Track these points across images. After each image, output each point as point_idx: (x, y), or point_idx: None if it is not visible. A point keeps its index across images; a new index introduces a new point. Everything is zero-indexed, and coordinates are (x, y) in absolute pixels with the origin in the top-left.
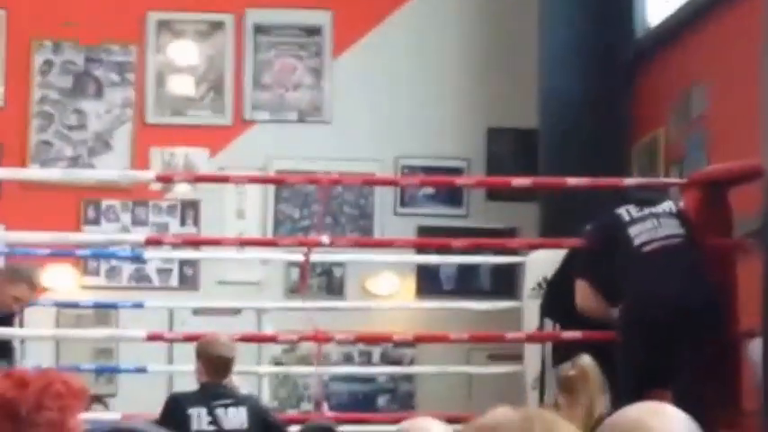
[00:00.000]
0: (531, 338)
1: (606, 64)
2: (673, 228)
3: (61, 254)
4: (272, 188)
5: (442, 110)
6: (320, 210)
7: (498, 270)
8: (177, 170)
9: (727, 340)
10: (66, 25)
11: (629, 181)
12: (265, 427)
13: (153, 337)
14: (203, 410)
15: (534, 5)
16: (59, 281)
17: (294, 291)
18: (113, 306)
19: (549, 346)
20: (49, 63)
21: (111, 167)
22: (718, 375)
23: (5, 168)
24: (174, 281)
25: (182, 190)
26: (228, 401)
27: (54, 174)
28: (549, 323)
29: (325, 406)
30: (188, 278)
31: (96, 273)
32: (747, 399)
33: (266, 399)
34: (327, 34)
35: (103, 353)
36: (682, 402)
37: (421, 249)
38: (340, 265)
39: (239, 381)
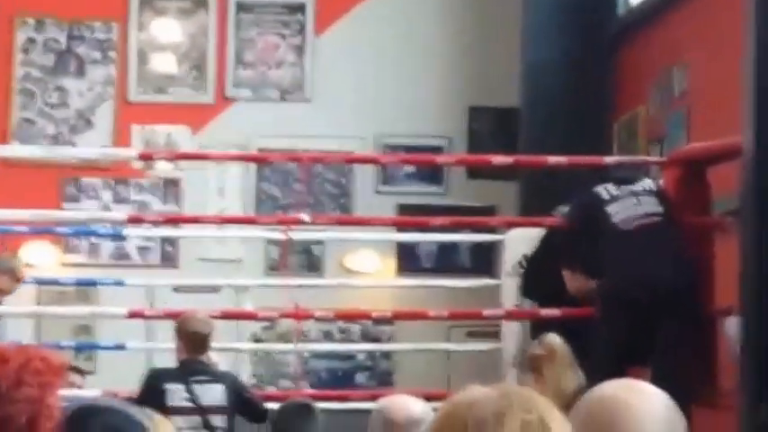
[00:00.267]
0: (509, 316)
1: (588, 43)
2: (652, 206)
3: (42, 231)
4: (253, 166)
5: (423, 88)
6: (301, 188)
7: (478, 248)
8: (159, 148)
9: (704, 318)
10: None
11: (609, 159)
12: (242, 403)
13: (133, 315)
14: (180, 386)
15: None
16: (40, 258)
17: (274, 268)
18: (94, 283)
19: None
20: (31, 41)
21: (92, 145)
22: (696, 353)
23: None
24: (155, 258)
25: (163, 168)
26: (206, 378)
27: (35, 151)
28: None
29: (304, 383)
30: (169, 256)
31: (77, 250)
32: (724, 376)
33: (246, 376)
34: (310, 13)
35: (84, 330)
36: (659, 380)
37: (401, 227)
38: (320, 242)
39: (218, 358)
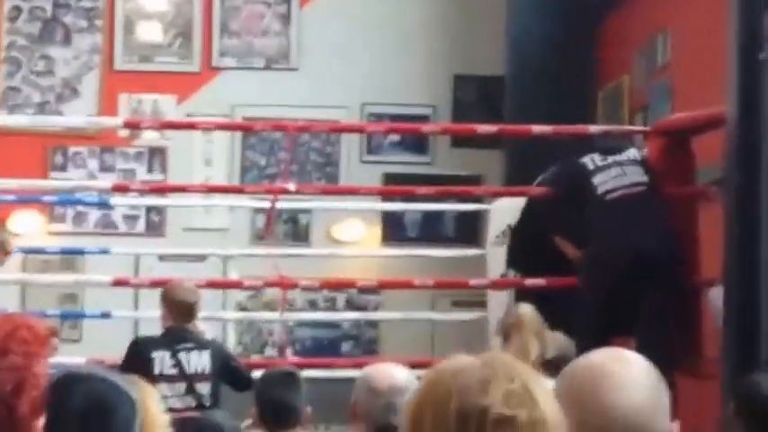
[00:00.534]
0: (494, 285)
1: (573, 11)
2: (637, 175)
3: (28, 200)
4: (239, 135)
5: (408, 57)
6: (287, 157)
7: (463, 217)
8: (145, 117)
9: (688, 287)
10: None
11: (593, 128)
12: (228, 371)
13: (119, 283)
14: (167, 354)
15: None
16: (26, 227)
17: (260, 237)
18: (80, 252)
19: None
20: (17, 9)
21: (78, 114)
22: (680, 322)
23: None
24: (141, 227)
25: (149, 137)
26: (192, 345)
27: (21, 120)
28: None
29: (289, 351)
30: (155, 225)
31: (63, 219)
32: (708, 345)
33: (231, 344)
34: None
35: (69, 298)
36: (643, 349)
37: (386, 197)
38: (306, 212)
39: (204, 326)
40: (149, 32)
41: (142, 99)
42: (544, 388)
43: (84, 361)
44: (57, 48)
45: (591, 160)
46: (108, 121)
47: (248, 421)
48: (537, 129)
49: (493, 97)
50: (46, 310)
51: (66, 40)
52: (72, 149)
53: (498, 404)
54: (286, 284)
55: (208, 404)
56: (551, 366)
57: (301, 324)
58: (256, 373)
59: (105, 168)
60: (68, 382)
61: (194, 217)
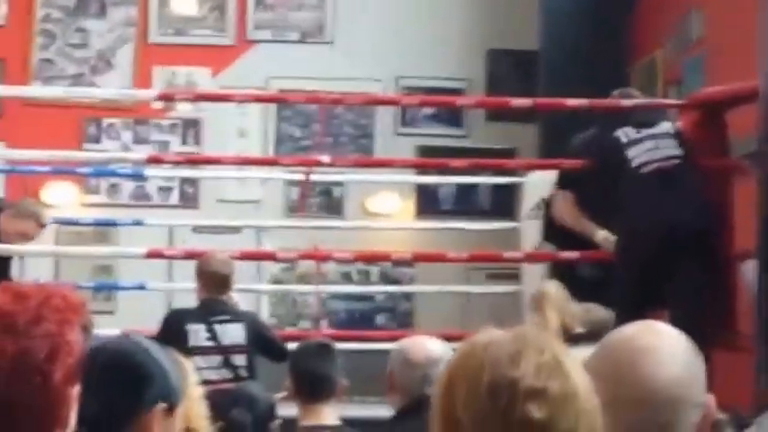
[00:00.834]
0: (528, 258)
1: None
2: (671, 149)
3: (62, 171)
4: (273, 107)
5: (442, 30)
6: (321, 129)
7: (497, 190)
8: (179, 89)
9: (722, 261)
10: None
11: (627, 102)
12: (263, 342)
13: (153, 255)
14: (201, 326)
15: None
16: (60, 198)
17: (294, 210)
18: (113, 224)
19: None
20: None
21: (113, 86)
22: (714, 296)
23: (7, 86)
24: (175, 199)
25: (183, 109)
26: (226, 317)
27: (56, 91)
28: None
29: (323, 323)
30: (188, 196)
31: (97, 191)
32: (742, 319)
33: (265, 316)
34: None
35: (103, 270)
36: (678, 322)
37: (421, 169)
38: (340, 184)
39: (239, 298)
40: (184, 5)
41: (176, 71)
42: (574, 361)
43: (118, 332)
44: (91, 20)
45: (624, 134)
46: (142, 93)
47: (283, 393)
48: (571, 102)
49: (527, 71)
50: (80, 282)
51: (101, 13)
52: (106, 121)
53: (530, 376)
54: (320, 257)
55: (244, 376)
56: (590, 338)
57: (335, 297)
58: (290, 346)
59: (139, 140)
60: (103, 349)
61: (228, 189)
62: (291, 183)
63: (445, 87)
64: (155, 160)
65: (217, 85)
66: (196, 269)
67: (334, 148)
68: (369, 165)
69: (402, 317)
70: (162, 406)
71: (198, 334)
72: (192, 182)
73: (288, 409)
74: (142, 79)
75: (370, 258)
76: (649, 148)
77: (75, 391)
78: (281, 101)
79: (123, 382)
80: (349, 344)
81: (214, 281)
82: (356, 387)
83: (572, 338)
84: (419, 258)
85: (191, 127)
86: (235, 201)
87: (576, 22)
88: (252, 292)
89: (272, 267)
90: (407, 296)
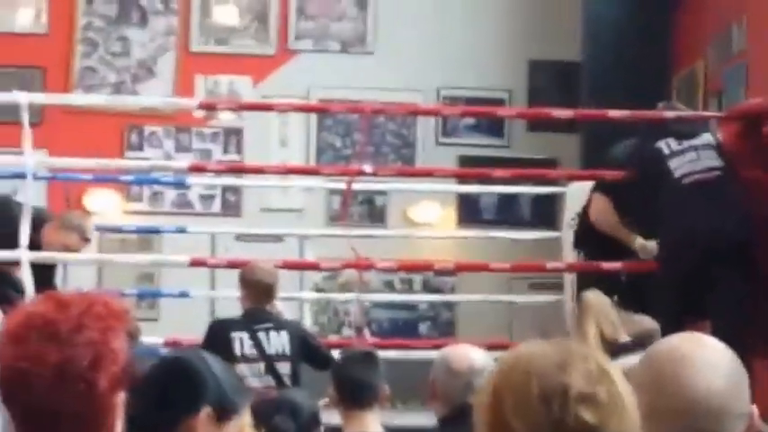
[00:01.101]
0: (571, 268)
1: None
2: (712, 160)
3: (104, 179)
4: (314, 117)
5: (484, 41)
6: (362, 139)
7: (538, 200)
8: (221, 98)
9: (764, 272)
10: None
11: (668, 113)
12: (307, 350)
13: (196, 263)
14: (245, 335)
15: None
16: (103, 206)
17: (335, 219)
18: (156, 231)
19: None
20: None
21: (154, 94)
22: (755, 307)
23: (49, 94)
24: (217, 207)
25: (225, 117)
26: (270, 326)
27: (98, 99)
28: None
29: (366, 332)
30: (231, 204)
31: (139, 198)
32: None
33: (308, 325)
34: None
35: (146, 278)
36: (719, 332)
37: (462, 179)
38: (382, 193)
39: (282, 307)
40: (225, 15)
41: (218, 80)
42: (616, 369)
43: (162, 341)
44: (133, 29)
45: (666, 145)
46: (184, 101)
47: (326, 400)
48: (613, 113)
49: (568, 82)
50: (123, 290)
51: (143, 22)
52: (148, 129)
53: (579, 382)
54: (362, 266)
55: (288, 384)
56: (636, 348)
57: (377, 305)
58: (334, 353)
59: (181, 148)
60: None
61: (270, 197)
62: (333, 192)
63: (486, 97)
64: (198, 168)
65: (258, 94)
66: (240, 278)
67: (376, 158)
68: (410, 174)
69: (444, 326)
70: (207, 410)
71: (242, 342)
72: (235, 190)
73: (331, 417)
74: (184, 88)
75: (413, 268)
76: (691, 160)
77: (121, 398)
78: (322, 111)
79: (176, 387)
80: (392, 352)
81: (259, 290)
82: (399, 395)
83: (618, 348)
84: (462, 268)
85: (232, 135)
86: (277, 209)
87: (618, 34)
88: (295, 300)
89: (314, 276)
90: (449, 305)
